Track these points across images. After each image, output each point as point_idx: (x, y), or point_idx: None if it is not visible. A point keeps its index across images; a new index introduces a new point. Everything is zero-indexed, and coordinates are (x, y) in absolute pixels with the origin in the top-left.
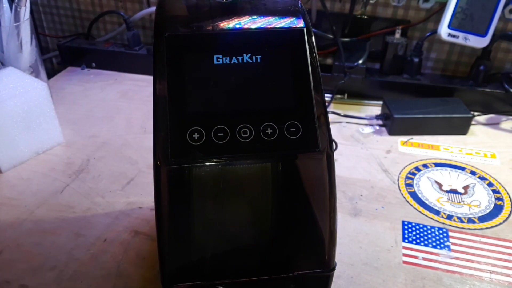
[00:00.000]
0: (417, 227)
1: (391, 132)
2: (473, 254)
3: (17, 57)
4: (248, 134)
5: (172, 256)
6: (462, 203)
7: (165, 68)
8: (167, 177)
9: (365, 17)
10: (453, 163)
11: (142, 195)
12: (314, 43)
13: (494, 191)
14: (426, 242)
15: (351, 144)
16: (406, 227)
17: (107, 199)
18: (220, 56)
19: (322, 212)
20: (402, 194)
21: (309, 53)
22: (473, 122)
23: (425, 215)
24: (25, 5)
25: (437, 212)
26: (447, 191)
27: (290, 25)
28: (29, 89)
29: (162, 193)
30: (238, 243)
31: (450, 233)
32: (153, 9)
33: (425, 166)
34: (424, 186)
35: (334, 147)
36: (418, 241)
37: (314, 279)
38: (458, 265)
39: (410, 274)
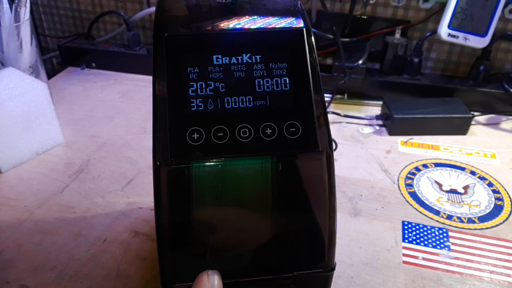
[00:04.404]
0: (417, 227)
1: (391, 132)
2: (473, 254)
3: (17, 57)
4: (247, 134)
5: (172, 256)
6: (462, 203)
7: (165, 68)
8: (166, 177)
9: (365, 17)
10: (453, 163)
11: (142, 195)
12: (314, 43)
13: (494, 191)
14: (426, 242)
15: (351, 144)
16: (406, 227)
17: (107, 199)
18: (220, 56)
19: (322, 212)
20: (402, 194)
21: (309, 53)
22: (473, 122)
23: (425, 215)
24: (25, 6)
25: (437, 212)
26: (447, 191)
27: (289, 26)
28: (29, 89)
29: (161, 193)
30: (237, 243)
31: (450, 233)
32: (153, 9)
33: (425, 166)
34: (424, 186)
35: (334, 147)
36: (418, 241)
37: (314, 279)
38: (458, 265)
39: (410, 274)
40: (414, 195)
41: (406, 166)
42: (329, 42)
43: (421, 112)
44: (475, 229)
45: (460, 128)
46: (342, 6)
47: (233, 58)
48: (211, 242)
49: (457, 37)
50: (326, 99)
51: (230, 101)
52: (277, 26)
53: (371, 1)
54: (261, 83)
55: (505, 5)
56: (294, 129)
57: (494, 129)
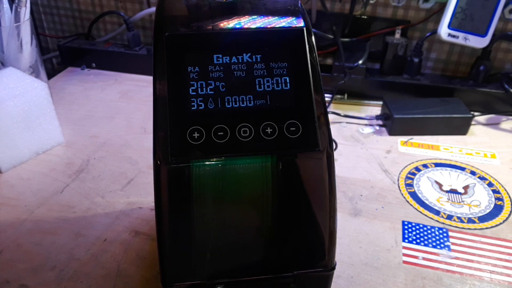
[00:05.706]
0: (417, 227)
1: (391, 132)
2: (473, 254)
3: (17, 57)
4: (248, 134)
5: (172, 256)
6: (462, 203)
7: (165, 68)
8: (167, 176)
9: (365, 17)
10: (453, 163)
11: (142, 195)
12: (314, 43)
13: (494, 191)
14: (426, 242)
15: (351, 144)
16: (406, 227)
17: (107, 199)
18: (220, 56)
19: (322, 211)
20: (402, 194)
21: (309, 52)
22: (473, 122)
23: (425, 215)
24: (26, 6)
25: (437, 212)
26: (447, 191)
27: (290, 25)
28: (29, 89)
29: (162, 193)
30: (238, 242)
31: (450, 233)
32: (153, 9)
33: (425, 166)
34: (424, 186)
35: (334, 147)
36: (418, 241)
37: (314, 279)
38: (458, 265)
39: (410, 274)
40: (414, 195)
41: (406, 166)
42: (329, 42)
43: (421, 112)
44: (475, 229)
45: (460, 128)
46: (342, 6)
47: (234, 57)
48: (211, 242)
49: (457, 37)
50: (326, 99)
51: (230, 100)
52: (278, 26)
53: (371, 1)
54: (262, 83)
55: (505, 5)
56: (294, 129)
57: (494, 129)
